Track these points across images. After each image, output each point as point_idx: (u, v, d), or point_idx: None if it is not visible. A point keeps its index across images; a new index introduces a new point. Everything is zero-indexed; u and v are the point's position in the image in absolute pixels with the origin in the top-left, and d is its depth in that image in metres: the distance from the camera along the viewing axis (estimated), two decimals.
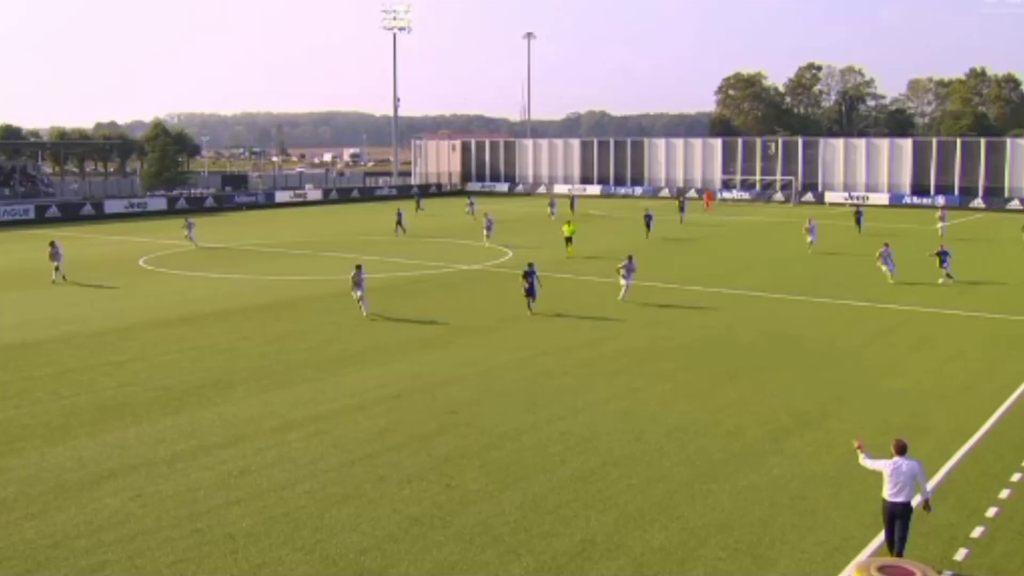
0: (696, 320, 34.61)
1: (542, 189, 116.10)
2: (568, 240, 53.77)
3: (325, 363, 28.55)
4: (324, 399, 24.51)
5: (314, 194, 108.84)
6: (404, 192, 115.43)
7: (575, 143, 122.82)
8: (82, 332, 33.75)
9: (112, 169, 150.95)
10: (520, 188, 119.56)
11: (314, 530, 16.25)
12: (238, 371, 27.70)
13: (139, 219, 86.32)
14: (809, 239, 55.02)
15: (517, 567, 14.80)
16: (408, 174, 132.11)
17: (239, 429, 22.07)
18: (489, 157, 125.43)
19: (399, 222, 66.06)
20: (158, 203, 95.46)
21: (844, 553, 15.22)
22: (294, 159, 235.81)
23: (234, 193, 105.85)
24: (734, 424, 22.09)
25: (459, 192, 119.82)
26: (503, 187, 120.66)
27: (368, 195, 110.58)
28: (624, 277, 37.83)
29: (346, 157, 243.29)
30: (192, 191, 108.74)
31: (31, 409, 23.98)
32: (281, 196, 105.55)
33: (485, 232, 59.29)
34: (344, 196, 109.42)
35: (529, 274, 35.16)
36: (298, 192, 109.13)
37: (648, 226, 62.55)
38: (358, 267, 35.69)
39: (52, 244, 47.43)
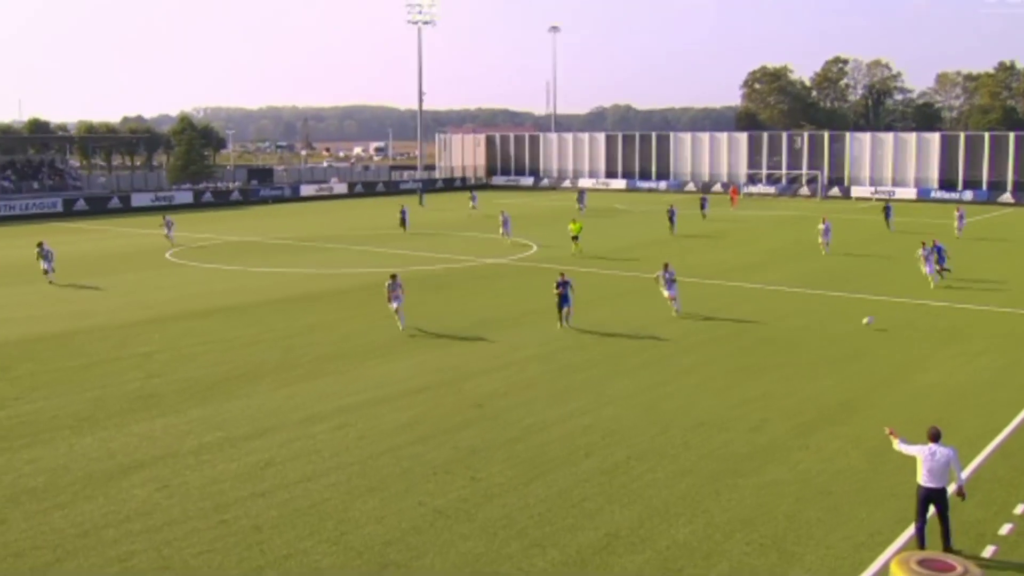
0: (722, 314, 34.47)
1: (567, 183, 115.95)
2: (574, 239, 52.03)
3: (350, 356, 28.64)
4: (349, 392, 24.58)
5: (339, 187, 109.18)
6: (429, 186, 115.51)
7: (600, 137, 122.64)
8: (109, 324, 34.00)
9: (139, 163, 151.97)
10: (545, 182, 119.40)
11: (339, 522, 16.31)
12: (264, 363, 27.83)
13: (165, 212, 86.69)
14: (822, 240, 51.93)
15: (542, 560, 14.80)
16: (433, 167, 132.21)
17: (265, 421, 22.17)
18: (514, 151, 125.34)
19: (403, 218, 65.16)
20: (184, 196, 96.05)
21: (870, 549, 15.14)
22: (324, 152, 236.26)
23: (260, 186, 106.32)
24: (759, 418, 22.01)
25: (484, 186, 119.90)
26: (528, 181, 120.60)
27: (393, 189, 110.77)
28: (667, 288, 34.06)
29: (371, 150, 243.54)
30: (218, 184, 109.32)
31: (60, 400, 24.18)
32: (306, 189, 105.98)
33: (502, 229, 57.57)
34: (369, 190, 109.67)
35: (562, 284, 32.02)
36: (323, 186, 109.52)
37: (671, 222, 61.28)
38: (393, 277, 32.47)
39: (40, 245, 45.38)
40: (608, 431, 21.13)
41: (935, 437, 14.78)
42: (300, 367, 27.38)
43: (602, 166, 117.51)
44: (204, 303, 38.01)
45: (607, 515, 16.49)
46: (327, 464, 19.25)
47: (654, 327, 32.13)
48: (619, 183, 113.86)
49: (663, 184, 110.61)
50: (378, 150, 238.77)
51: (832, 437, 20.67)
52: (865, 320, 31.79)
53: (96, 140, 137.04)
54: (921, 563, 12.72)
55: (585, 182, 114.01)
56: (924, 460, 14.65)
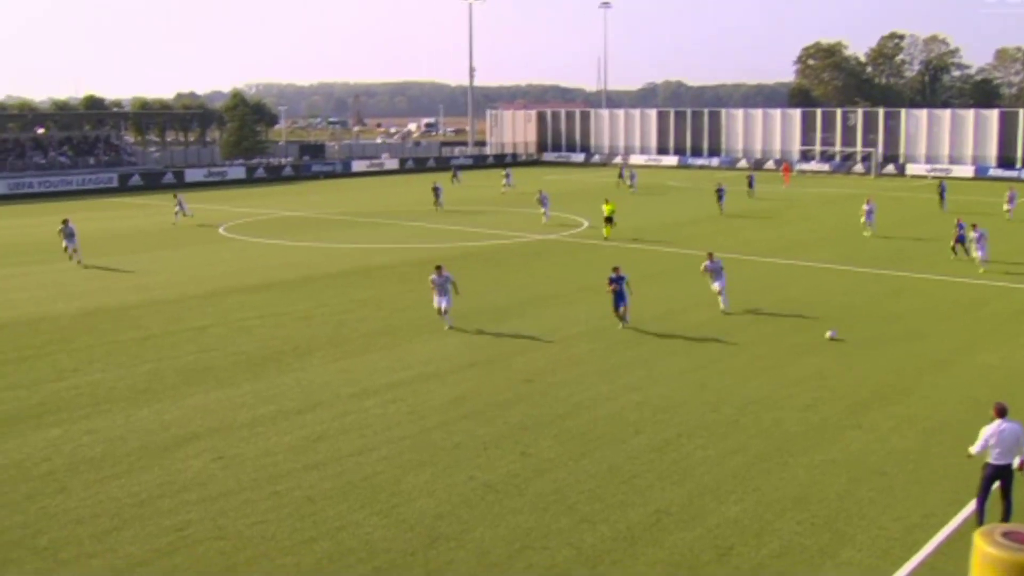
0: (773, 293, 34.22)
1: (618, 159, 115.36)
2: (608, 220, 48.45)
3: (401, 331, 28.79)
4: (400, 366, 24.72)
5: (390, 163, 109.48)
6: (480, 162, 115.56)
7: (651, 113, 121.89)
8: (164, 298, 34.43)
9: (192, 138, 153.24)
10: (596, 158, 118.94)
11: (391, 495, 16.44)
12: (316, 338, 28.06)
13: (218, 188, 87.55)
14: (864, 221, 48.85)
15: (591, 536, 14.83)
16: (484, 144, 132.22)
17: (317, 395, 22.39)
18: (565, 127, 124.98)
19: (436, 196, 63.34)
20: (237, 172, 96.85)
21: (924, 530, 15.00)
22: (379, 128, 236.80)
23: (312, 162, 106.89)
24: (812, 397, 21.85)
25: (534, 162, 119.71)
26: (579, 157, 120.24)
27: (444, 165, 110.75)
28: (714, 280, 31.27)
29: (421, 126, 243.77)
30: (270, 160, 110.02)
31: (117, 372, 24.57)
32: (358, 165, 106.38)
33: (542, 210, 55.37)
34: (420, 165, 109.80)
35: (616, 280, 28.76)
36: (375, 161, 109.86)
37: (720, 201, 59.67)
38: (438, 268, 29.06)
39: (64, 223, 43.70)
40: (658, 408, 21.09)
41: (1002, 412, 14.56)
42: (351, 342, 27.59)
43: (653, 142, 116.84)
44: (257, 277, 38.36)
45: (657, 492, 16.49)
46: (378, 438, 19.40)
47: (704, 306, 31.90)
48: (671, 160, 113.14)
49: (715, 161, 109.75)
50: (428, 126, 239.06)
51: (886, 417, 20.47)
52: (828, 334, 27.34)
53: (150, 116, 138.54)
54: (1006, 535, 12.53)
55: (636, 159, 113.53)
56: (996, 441, 14.42)
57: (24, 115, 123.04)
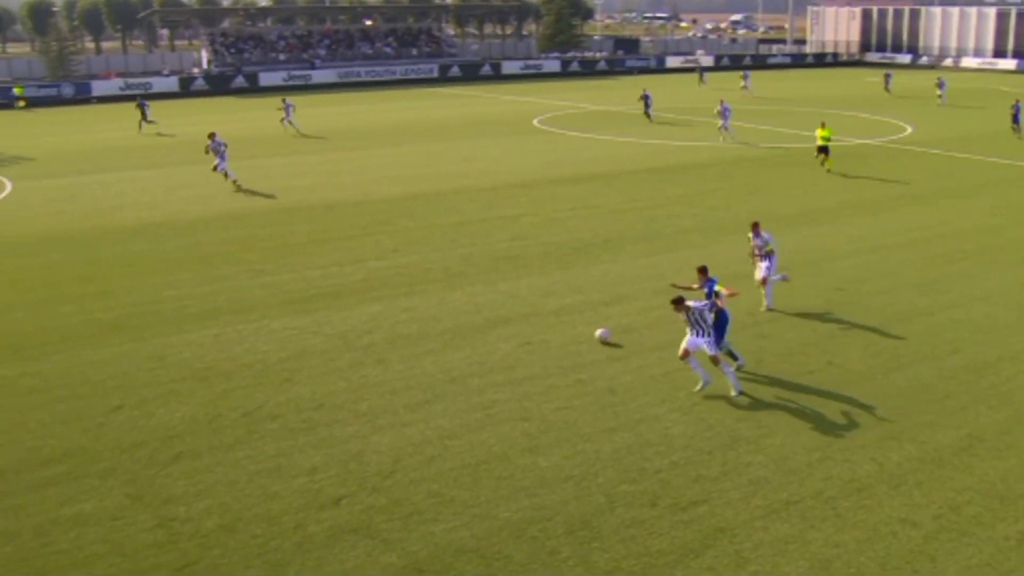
0: None
1: (948, 62, 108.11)
2: (821, 149, 38.25)
3: (711, 230, 28.51)
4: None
5: (705, 60, 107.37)
6: (798, 61, 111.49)
7: (990, 12, 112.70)
8: (479, 186, 35.64)
9: (509, 31, 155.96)
10: (924, 60, 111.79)
11: (691, 393, 16.49)
12: (626, 232, 28.29)
13: (534, 80, 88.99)
14: None
15: (896, 453, 14.33)
16: (804, 42, 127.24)
17: (624, 288, 22.67)
18: (891, 26, 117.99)
19: (647, 105, 55.79)
20: (552, 65, 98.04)
21: None
22: (694, 23, 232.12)
23: (626, 57, 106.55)
24: None
25: (856, 63, 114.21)
26: (905, 58, 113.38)
27: (760, 63, 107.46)
28: (761, 260, 21.25)
29: (727, 23, 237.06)
30: (585, 54, 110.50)
31: (433, 255, 25.80)
32: (672, 61, 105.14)
33: (721, 121, 46.97)
34: (736, 63, 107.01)
35: (707, 295, 17.32)
36: (689, 58, 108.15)
37: (1016, 120, 49.49)
38: (755, 226, 21.08)
39: (211, 137, 36.48)
40: (979, 328, 19.93)
41: None
42: (661, 238, 27.64)
43: (990, 44, 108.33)
44: (569, 170, 38.94)
45: (971, 415, 15.68)
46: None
47: None
48: (1008, 63, 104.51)
49: None
50: (735, 23, 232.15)
51: None
52: (597, 333, 19.34)
53: (470, 9, 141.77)
54: None
55: (969, 61, 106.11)
56: None
57: (354, 8, 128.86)
